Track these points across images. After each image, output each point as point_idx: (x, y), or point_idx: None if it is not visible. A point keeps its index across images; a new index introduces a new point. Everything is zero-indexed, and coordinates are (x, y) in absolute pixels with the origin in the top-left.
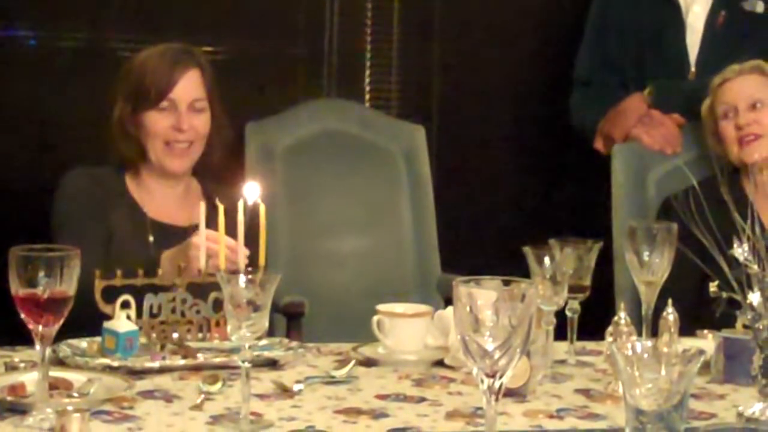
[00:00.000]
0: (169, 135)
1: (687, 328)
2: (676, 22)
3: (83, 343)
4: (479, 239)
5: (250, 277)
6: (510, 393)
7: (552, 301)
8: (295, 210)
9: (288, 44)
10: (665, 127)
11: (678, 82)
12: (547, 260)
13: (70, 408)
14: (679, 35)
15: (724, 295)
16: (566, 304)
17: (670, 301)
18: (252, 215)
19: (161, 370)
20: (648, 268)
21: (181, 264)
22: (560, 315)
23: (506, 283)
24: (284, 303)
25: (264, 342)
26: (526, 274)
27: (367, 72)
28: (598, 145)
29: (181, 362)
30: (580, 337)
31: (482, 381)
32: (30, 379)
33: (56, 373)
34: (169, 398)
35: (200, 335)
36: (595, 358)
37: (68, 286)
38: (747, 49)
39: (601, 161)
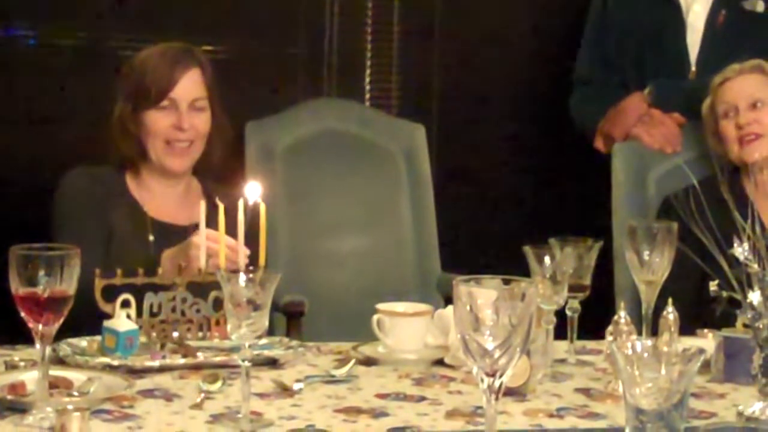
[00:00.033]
0: (169, 134)
1: (687, 328)
2: (677, 22)
3: (83, 342)
4: (479, 238)
5: (250, 276)
6: (510, 392)
7: (552, 300)
8: (295, 209)
9: (288, 43)
10: (665, 126)
11: (678, 82)
12: (547, 259)
13: (70, 407)
14: (680, 34)
15: (724, 294)
16: (566, 303)
17: (670, 300)
18: (252, 214)
19: (161, 369)
20: (648, 267)
21: (181, 263)
22: (560, 314)
23: (506, 282)
24: (284, 302)
25: (264, 341)
26: (526, 273)
27: (367, 71)
28: (599, 144)
29: (181, 361)
30: (580, 336)
31: (482, 380)
32: (30, 377)
33: (56, 372)
34: (169, 397)
35: (200, 334)
36: (595, 358)
37: (68, 285)
38: (747, 48)
39: (601, 160)
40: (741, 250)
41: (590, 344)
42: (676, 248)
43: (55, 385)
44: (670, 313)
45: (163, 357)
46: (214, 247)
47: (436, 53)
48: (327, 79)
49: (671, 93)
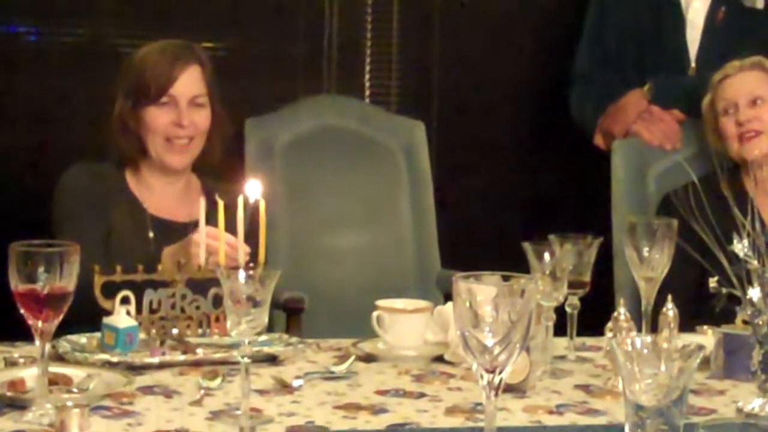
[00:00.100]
0: (169, 131)
1: (687, 324)
2: (676, 18)
3: (83, 338)
4: (479, 235)
5: (249, 272)
6: (509, 389)
7: (552, 296)
8: (295, 206)
9: (288, 40)
10: (665, 123)
11: (678, 78)
12: (546, 256)
13: (69, 403)
14: (679, 31)
15: (724, 290)
16: (566, 299)
17: (669, 296)
18: (252, 212)
19: (161, 366)
20: (648, 263)
21: (180, 260)
22: (560, 311)
23: (506, 278)
24: (284, 299)
25: (264, 338)
26: (525, 269)
27: (367, 68)
28: (598, 140)
29: (181, 358)
30: (580, 333)
31: (482, 376)
32: (29, 374)
33: (56, 368)
34: (168, 394)
35: (200, 331)
36: (594, 354)
37: (68, 282)
38: (747, 45)
39: (600, 157)
40: (741, 247)
41: (590, 341)
42: (676, 245)
43: (54, 381)
44: (670, 309)
45: (163, 354)
46: (214, 244)
47: (435, 50)
48: (327, 76)
49: (671, 90)
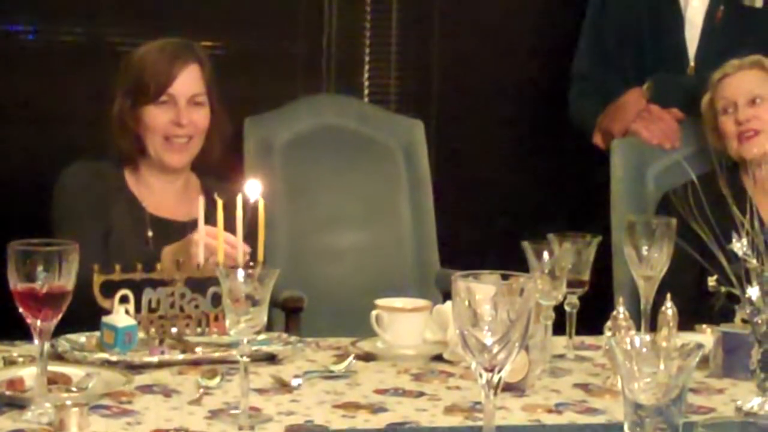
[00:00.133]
0: (168, 130)
1: (686, 323)
2: (675, 17)
3: (82, 337)
4: (478, 234)
5: (248, 271)
6: (509, 387)
7: (551, 295)
8: (294, 205)
9: (287, 39)
10: (664, 121)
11: (677, 77)
12: (545, 255)
13: (68, 402)
14: (678, 30)
15: (723, 289)
16: (565, 298)
17: (668, 295)
18: (251, 211)
19: (160, 365)
20: (647, 262)
21: (179, 259)
22: (559, 310)
23: (505, 277)
24: (283, 298)
25: (263, 337)
26: (524, 268)
27: (366, 67)
28: (597, 139)
29: (180, 357)
30: (579, 332)
31: (481, 375)
32: (28, 373)
33: (55, 367)
34: (167, 393)
35: (199, 330)
36: (593, 353)
37: (67, 281)
38: (746, 43)
39: (600, 156)
40: (740, 246)
41: (589, 339)
42: (675, 244)
43: (53, 380)
44: (669, 308)
45: (162, 352)
46: (214, 243)
47: (435, 49)
48: (326, 75)
49: (670, 88)
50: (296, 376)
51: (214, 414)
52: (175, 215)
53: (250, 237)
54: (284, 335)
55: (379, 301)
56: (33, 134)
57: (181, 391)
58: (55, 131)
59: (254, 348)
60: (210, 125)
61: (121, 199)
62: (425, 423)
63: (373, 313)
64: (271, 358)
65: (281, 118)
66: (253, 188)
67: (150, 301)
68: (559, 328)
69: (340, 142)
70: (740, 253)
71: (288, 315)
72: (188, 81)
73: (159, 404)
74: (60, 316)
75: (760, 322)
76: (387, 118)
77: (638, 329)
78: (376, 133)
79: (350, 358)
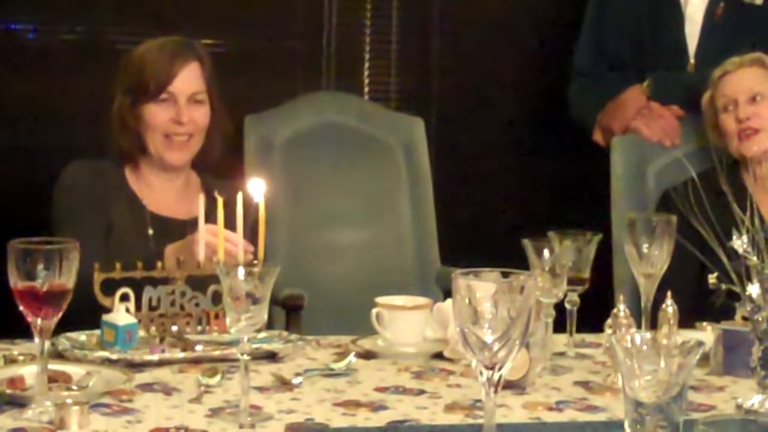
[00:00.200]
0: (168, 128)
1: (686, 320)
2: (675, 14)
3: (82, 335)
4: (478, 231)
5: (249, 269)
6: (509, 385)
7: (551, 293)
8: (294, 203)
9: (287, 37)
10: (664, 119)
11: (677, 75)
12: (546, 252)
13: (69, 401)
14: (678, 27)
15: (723, 287)
16: (565, 296)
17: (669, 293)
18: (254, 209)
19: (160, 363)
20: (647, 260)
21: (180, 257)
22: (559, 307)
23: (505, 275)
24: (283, 296)
25: (263, 335)
26: (525, 266)
27: (366, 65)
28: (597, 137)
29: (180, 355)
30: (580, 330)
31: (481, 373)
32: (29, 372)
33: (55, 366)
34: (168, 391)
35: (199, 328)
36: (594, 351)
37: (67, 279)
38: (746, 41)
39: (600, 153)
40: (740, 243)
41: (589, 337)
42: (676, 241)
43: (54, 379)
44: (669, 305)
45: (162, 351)
46: (215, 241)
47: (435, 47)
48: (326, 73)
49: (670, 86)
50: (297, 374)
51: (214, 412)
52: (175, 213)
53: (249, 234)
54: (285, 333)
55: (380, 299)
56: (33, 132)
57: (182, 389)
58: (54, 129)
59: (255, 346)
60: (210, 123)
61: (121, 198)
62: (426, 421)
63: (374, 311)
64: (272, 356)
65: (281, 116)
66: (256, 188)
67: (150, 299)
68: (559, 326)
69: (340, 140)
70: (740, 251)
71: (288, 313)
72: (188, 79)
73: (159, 402)
74: (60, 314)
75: (760, 319)
76: (387, 116)
77: (639, 327)
78: (376, 130)
79: (351, 356)
